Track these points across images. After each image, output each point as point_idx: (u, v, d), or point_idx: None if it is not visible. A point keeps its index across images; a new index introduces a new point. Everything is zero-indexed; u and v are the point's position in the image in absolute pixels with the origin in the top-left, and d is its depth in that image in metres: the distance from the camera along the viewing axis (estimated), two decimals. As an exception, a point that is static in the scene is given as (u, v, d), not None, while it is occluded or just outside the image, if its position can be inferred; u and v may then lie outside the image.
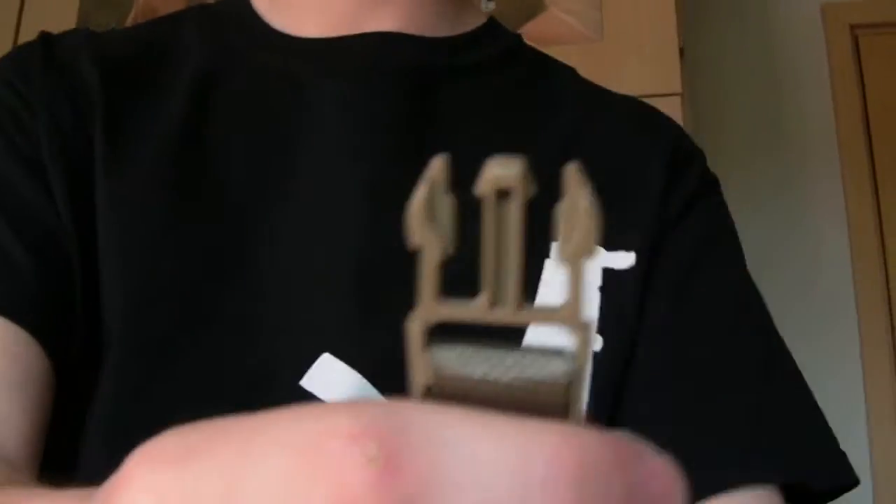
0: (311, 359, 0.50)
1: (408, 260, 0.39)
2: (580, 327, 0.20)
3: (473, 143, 0.55)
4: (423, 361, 0.20)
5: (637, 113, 0.66)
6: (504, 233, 0.20)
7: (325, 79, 0.57)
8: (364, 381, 0.50)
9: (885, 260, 1.93)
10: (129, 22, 1.72)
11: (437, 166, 0.20)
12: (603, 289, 0.55)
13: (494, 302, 0.20)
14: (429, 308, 0.20)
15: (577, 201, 0.20)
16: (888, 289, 1.91)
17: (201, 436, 0.19)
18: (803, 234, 1.98)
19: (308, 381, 0.50)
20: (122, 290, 0.49)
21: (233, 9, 0.61)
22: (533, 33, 1.60)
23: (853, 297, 1.91)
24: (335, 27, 0.58)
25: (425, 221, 0.20)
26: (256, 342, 0.50)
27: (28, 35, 1.86)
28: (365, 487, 0.17)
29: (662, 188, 0.59)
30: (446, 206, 0.20)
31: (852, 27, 2.06)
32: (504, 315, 0.20)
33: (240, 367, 0.49)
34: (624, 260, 0.56)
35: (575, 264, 0.20)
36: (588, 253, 0.20)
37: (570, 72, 0.68)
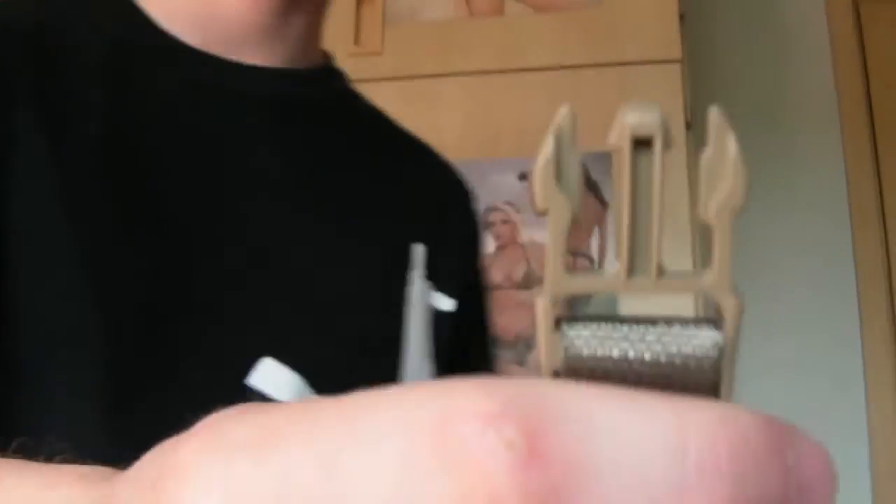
0: (254, 362, 0.52)
1: (338, 271, 0.43)
2: (729, 293, 0.18)
3: (353, 170, 0.63)
4: (552, 342, 0.18)
5: (441, 163, 0.74)
6: (641, 190, 0.18)
7: (234, 99, 0.58)
8: (304, 384, 0.53)
9: (885, 231, 1.93)
10: None
11: (564, 116, 0.18)
12: (432, 325, 0.63)
13: (631, 270, 0.18)
14: (558, 280, 0.17)
15: (725, 148, 0.18)
16: (888, 261, 1.91)
17: (283, 417, 0.17)
18: (803, 205, 1.97)
19: (255, 380, 0.51)
20: (78, 291, 0.48)
21: None
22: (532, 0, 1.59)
23: (853, 268, 1.91)
24: (213, 45, 0.58)
25: (552, 182, 0.17)
26: (203, 345, 0.51)
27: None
28: (505, 477, 0.15)
29: (472, 246, 0.71)
30: (574, 163, 0.18)
31: (854, -5, 2.05)
32: (643, 284, 0.18)
33: (190, 366, 0.50)
34: (447, 303, 0.65)
35: (722, 221, 0.17)
36: (737, 208, 0.17)
37: (379, 112, 0.73)
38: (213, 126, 0.57)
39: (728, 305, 0.18)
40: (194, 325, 0.51)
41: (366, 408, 0.16)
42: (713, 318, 0.17)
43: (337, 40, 1.59)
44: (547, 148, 0.17)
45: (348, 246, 0.61)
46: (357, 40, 1.61)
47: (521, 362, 1.42)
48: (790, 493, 0.16)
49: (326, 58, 0.68)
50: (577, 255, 1.45)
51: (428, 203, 0.69)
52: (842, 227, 1.93)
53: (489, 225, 1.49)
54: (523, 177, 1.50)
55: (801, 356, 1.87)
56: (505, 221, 1.48)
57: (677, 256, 1.42)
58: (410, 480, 0.15)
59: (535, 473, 0.15)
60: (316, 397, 0.46)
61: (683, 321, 0.17)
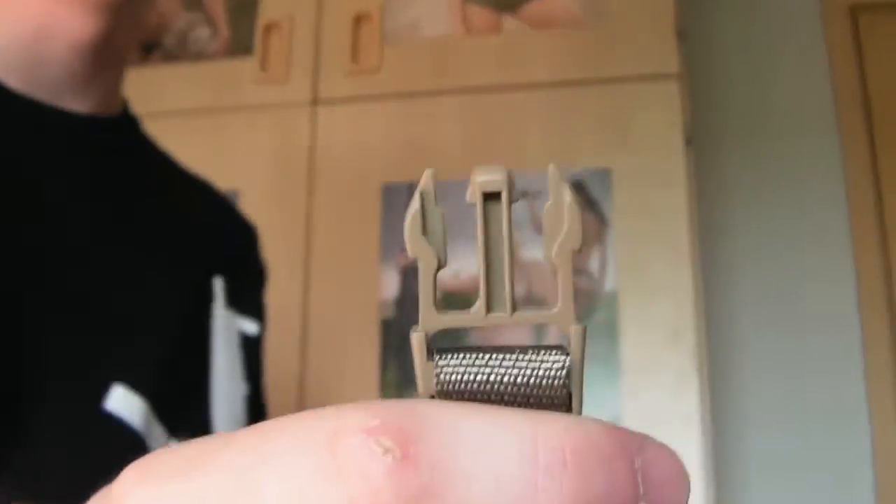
0: (106, 389, 0.58)
1: (150, 304, 0.53)
2: (573, 322, 0.21)
3: (153, 211, 0.71)
4: (426, 371, 0.21)
5: (225, 201, 0.84)
6: (494, 238, 0.21)
7: (53, 142, 0.65)
8: (148, 409, 0.60)
9: (885, 241, 1.92)
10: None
11: (427, 178, 0.21)
12: (241, 346, 0.72)
13: (490, 307, 0.21)
14: (429, 318, 0.21)
15: (562, 199, 0.21)
16: (889, 270, 1.90)
17: (201, 448, 0.20)
18: (802, 217, 1.97)
19: (110, 406, 0.58)
20: None
21: None
22: (530, 16, 1.59)
23: (853, 279, 1.90)
24: (35, 91, 0.64)
25: (420, 234, 0.21)
26: (48, 388, 0.55)
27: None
28: (382, 478, 0.18)
29: (260, 281, 0.81)
30: (438, 217, 0.21)
31: (851, 7, 2.05)
32: (500, 319, 0.21)
33: (43, 393, 0.54)
34: (252, 327, 0.75)
35: (563, 261, 0.21)
36: (575, 249, 0.21)
37: (169, 156, 0.80)
38: (33, 168, 0.62)
39: (573, 332, 0.21)
40: (37, 372, 0.55)
41: (271, 432, 0.19)
42: (560, 345, 0.21)
43: (335, 58, 1.59)
44: (414, 205, 0.21)
45: (157, 282, 0.67)
46: (355, 58, 1.60)
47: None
48: (638, 491, 0.19)
49: (125, 105, 0.74)
50: (578, 273, 1.44)
51: (219, 238, 0.78)
52: (842, 240, 1.93)
53: (488, 243, 1.48)
54: (522, 194, 1.49)
55: (801, 354, 1.87)
56: (504, 239, 1.48)
57: (676, 273, 1.41)
58: (311, 487, 0.18)
59: (407, 475, 0.18)
60: (153, 422, 0.60)
61: (536, 348, 0.21)
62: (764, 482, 1.83)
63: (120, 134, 0.72)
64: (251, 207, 1.52)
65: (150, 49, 1.68)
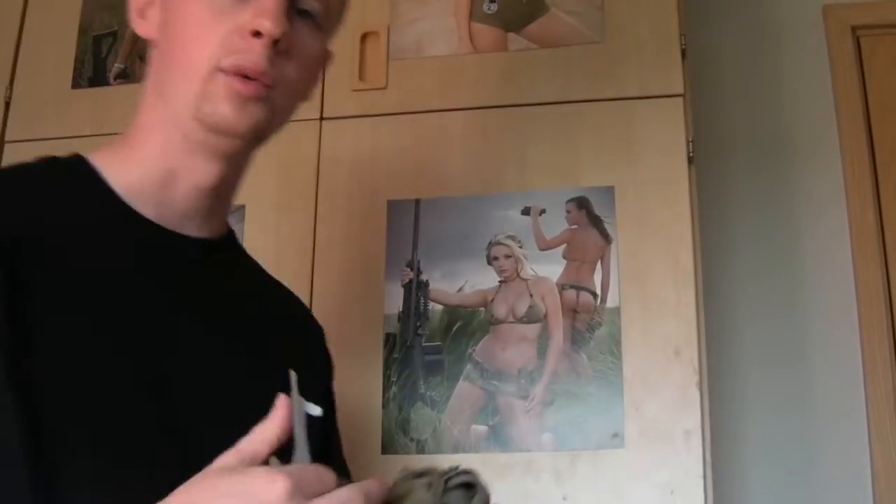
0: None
1: (249, 393, 0.74)
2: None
3: (250, 314, 0.90)
4: None
5: (302, 305, 1.05)
6: None
7: (176, 261, 0.83)
8: None
9: (886, 261, 1.93)
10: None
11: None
12: (307, 426, 0.88)
13: None
14: None
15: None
16: (889, 289, 1.91)
17: (181, 491, 0.56)
18: (804, 236, 1.98)
19: None
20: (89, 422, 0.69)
21: (78, 167, 0.83)
22: (535, 34, 1.61)
23: (854, 298, 1.91)
24: (162, 219, 0.82)
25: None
26: (180, 453, 0.72)
27: (31, 37, 1.87)
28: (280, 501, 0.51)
29: (328, 368, 1.01)
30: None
31: (854, 28, 2.06)
32: None
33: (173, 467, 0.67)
34: (316, 410, 0.91)
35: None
36: None
37: (260, 266, 1.00)
38: (163, 280, 0.80)
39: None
40: (175, 447, 0.74)
41: (217, 480, 0.54)
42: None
43: (341, 76, 1.60)
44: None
45: (255, 373, 0.85)
46: (362, 76, 1.62)
47: (524, 396, 1.41)
48: None
49: (229, 227, 0.93)
50: (580, 290, 1.45)
51: (296, 336, 0.97)
52: (843, 258, 1.93)
53: (492, 259, 1.49)
54: (526, 211, 1.50)
55: (802, 370, 1.87)
56: (508, 256, 1.49)
57: (679, 289, 1.42)
58: None
59: (296, 500, 0.51)
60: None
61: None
62: (764, 496, 1.83)
63: (227, 251, 0.92)
64: (257, 222, 1.53)
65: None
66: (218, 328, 0.84)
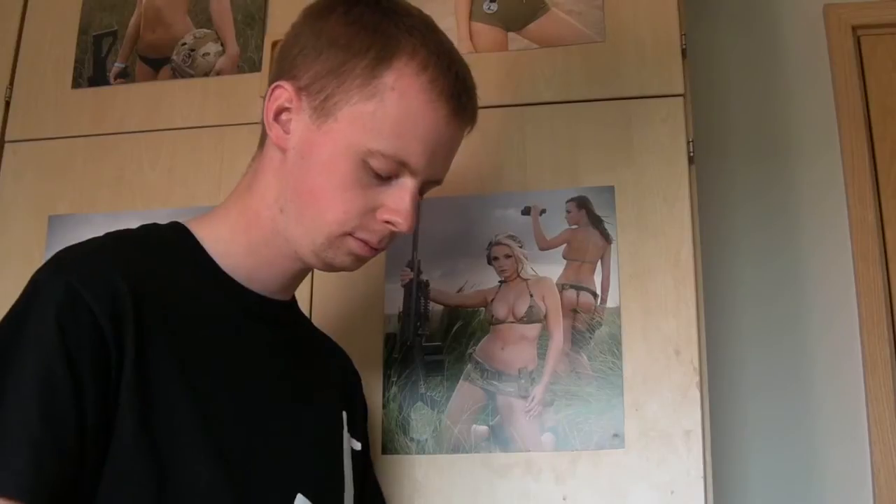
0: (292, 497, 0.94)
1: (312, 435, 1.04)
2: None
3: (310, 364, 1.10)
4: None
5: (343, 353, 1.24)
6: None
7: (255, 325, 1.01)
8: None
9: (886, 261, 1.93)
10: (131, 23, 1.72)
11: None
12: (351, 459, 1.09)
13: None
14: None
15: None
16: (889, 289, 1.91)
17: None
18: (805, 236, 1.98)
19: None
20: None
21: (185, 244, 0.99)
22: (535, 34, 1.61)
23: (854, 298, 1.91)
24: (255, 286, 1.01)
25: None
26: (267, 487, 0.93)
27: (31, 37, 1.86)
28: None
29: (364, 409, 1.23)
30: None
31: (854, 28, 2.06)
32: None
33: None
34: (357, 445, 1.13)
35: None
36: None
37: (311, 322, 1.25)
38: (254, 335, 0.99)
39: None
40: (260, 477, 0.92)
41: None
42: None
43: (341, 75, 1.60)
44: None
45: (316, 417, 1.05)
46: (361, 75, 1.61)
47: (524, 396, 1.41)
48: None
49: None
50: (580, 290, 1.45)
51: (343, 381, 1.18)
52: (843, 258, 1.94)
53: (492, 259, 1.49)
54: (526, 211, 1.50)
55: (802, 371, 1.87)
56: (508, 256, 1.49)
57: (679, 289, 1.42)
58: None
59: None
60: None
61: None
62: (764, 496, 1.83)
63: (295, 311, 1.11)
64: (258, 222, 1.53)
65: (160, 65, 1.69)
66: (290, 370, 1.03)
